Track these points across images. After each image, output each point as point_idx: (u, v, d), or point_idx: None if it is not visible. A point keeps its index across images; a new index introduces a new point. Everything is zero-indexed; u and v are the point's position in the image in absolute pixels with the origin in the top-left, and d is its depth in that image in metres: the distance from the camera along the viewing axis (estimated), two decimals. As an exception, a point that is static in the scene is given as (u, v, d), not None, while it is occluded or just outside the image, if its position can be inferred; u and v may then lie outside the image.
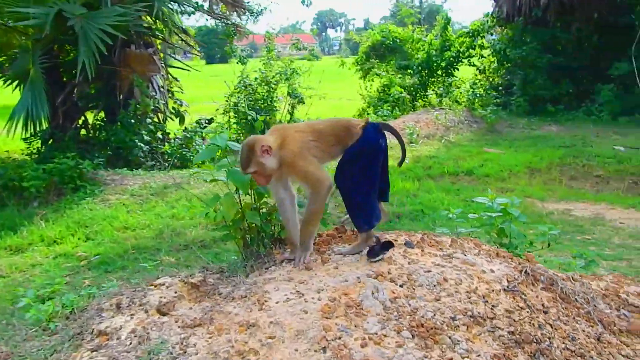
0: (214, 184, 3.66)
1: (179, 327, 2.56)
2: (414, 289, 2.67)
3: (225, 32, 15.37)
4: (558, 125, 15.17)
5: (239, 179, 3.16)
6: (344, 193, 3.07)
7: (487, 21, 19.35)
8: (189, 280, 2.99)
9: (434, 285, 2.70)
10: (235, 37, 14.66)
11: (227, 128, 12.89)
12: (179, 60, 14.72)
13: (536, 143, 12.88)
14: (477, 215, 4.71)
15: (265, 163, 2.90)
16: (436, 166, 10.91)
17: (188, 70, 13.41)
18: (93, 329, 2.72)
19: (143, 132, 11.31)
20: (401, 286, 2.69)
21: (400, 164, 3.49)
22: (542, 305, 2.78)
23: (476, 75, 19.52)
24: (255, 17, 16.26)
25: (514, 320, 2.54)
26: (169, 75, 13.33)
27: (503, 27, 18.98)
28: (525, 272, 2.97)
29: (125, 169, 10.23)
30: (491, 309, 2.59)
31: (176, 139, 12.44)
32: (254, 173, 2.95)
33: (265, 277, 2.91)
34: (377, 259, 2.94)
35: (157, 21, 12.83)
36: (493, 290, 2.73)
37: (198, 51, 17.58)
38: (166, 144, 12.10)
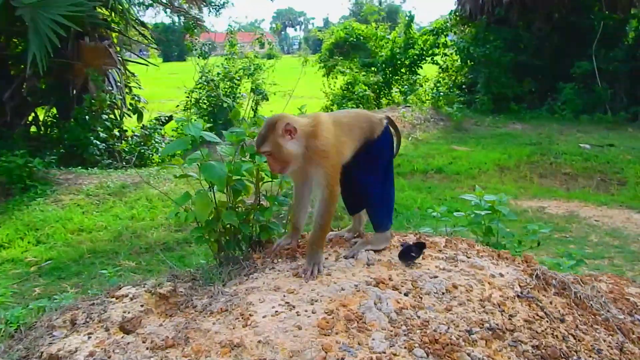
0: (177, 182, 3.24)
1: (147, 348, 2.14)
2: (420, 297, 2.34)
3: (185, 25, 14.79)
4: (523, 123, 15.23)
5: (215, 174, 2.76)
6: (365, 189, 2.82)
7: (450, 19, 19.38)
8: (157, 291, 2.56)
9: (443, 293, 2.37)
10: (195, 30, 14.08)
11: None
12: (137, 55, 14.07)
13: (503, 141, 12.86)
14: (464, 213, 4.46)
15: (283, 145, 2.50)
16: (405, 164, 10.70)
17: (146, 65, 12.80)
18: (42, 352, 2.28)
19: (99, 128, 10.70)
20: (406, 295, 2.35)
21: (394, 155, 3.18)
22: (559, 312, 2.50)
23: (440, 73, 19.52)
24: (217, 11, 15.69)
25: (536, 332, 2.24)
26: (126, 70, 12.68)
27: (466, 26, 19.03)
28: (537, 275, 2.68)
29: (80, 167, 9.65)
30: (509, 319, 2.29)
31: (134, 136, 11.84)
32: (268, 155, 2.55)
33: (247, 285, 2.52)
34: (411, 262, 2.69)
35: (113, 13, 12.19)
36: (508, 298, 2.42)
37: (156, 46, 16.89)
38: (124, 141, 11.50)
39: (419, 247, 2.72)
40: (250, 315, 2.20)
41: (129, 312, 2.39)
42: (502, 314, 2.30)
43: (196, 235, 3.05)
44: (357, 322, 2.14)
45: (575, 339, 2.32)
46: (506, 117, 15.97)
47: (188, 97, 13.35)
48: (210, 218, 2.97)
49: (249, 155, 3.05)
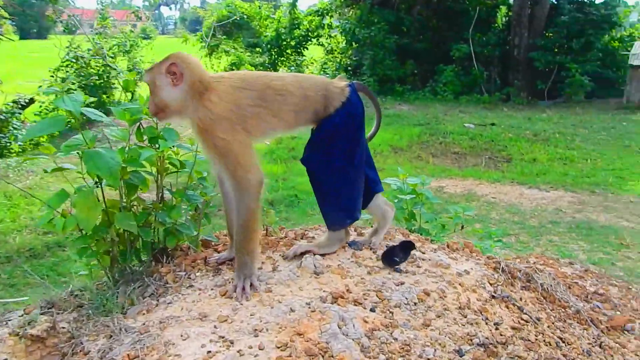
0: (43, 175, 2.46)
1: None
2: (391, 312, 1.86)
3: (46, -5, 13.02)
4: (408, 104, 15.50)
5: (104, 166, 2.05)
6: (318, 179, 2.25)
7: (335, 1, 19.23)
8: (28, 333, 1.83)
9: (415, 304, 1.92)
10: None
11: (54, 109, 10.71)
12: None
13: (392, 122, 12.92)
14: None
15: (160, 87, 2.06)
16: (300, 147, 10.19)
17: (-2, 39, 11.06)
18: None
19: (-61, 113, 8.99)
20: (373, 310, 1.86)
21: (371, 136, 2.58)
22: (534, 310, 2.16)
23: (325, 55, 19.37)
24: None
25: (530, 342, 1.87)
26: (-28, 45, 10.87)
27: (350, 8, 18.99)
28: (502, 269, 2.33)
29: None
30: (496, 328, 1.89)
31: (-13, 123, 10.16)
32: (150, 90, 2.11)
33: (160, 314, 1.87)
34: (399, 266, 2.19)
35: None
36: (486, 301, 2.04)
37: (10, 18, 14.77)
38: (-27, 128, 9.83)
39: (404, 248, 2.20)
40: (172, 361, 1.58)
41: (-15, 370, 1.66)
42: (487, 323, 1.90)
43: (79, 247, 2.31)
44: (323, 357, 1.60)
45: (564, 342, 1.99)
46: (392, 99, 16.19)
47: (53, 76, 11.72)
48: (99, 224, 2.25)
49: (148, 139, 2.36)
